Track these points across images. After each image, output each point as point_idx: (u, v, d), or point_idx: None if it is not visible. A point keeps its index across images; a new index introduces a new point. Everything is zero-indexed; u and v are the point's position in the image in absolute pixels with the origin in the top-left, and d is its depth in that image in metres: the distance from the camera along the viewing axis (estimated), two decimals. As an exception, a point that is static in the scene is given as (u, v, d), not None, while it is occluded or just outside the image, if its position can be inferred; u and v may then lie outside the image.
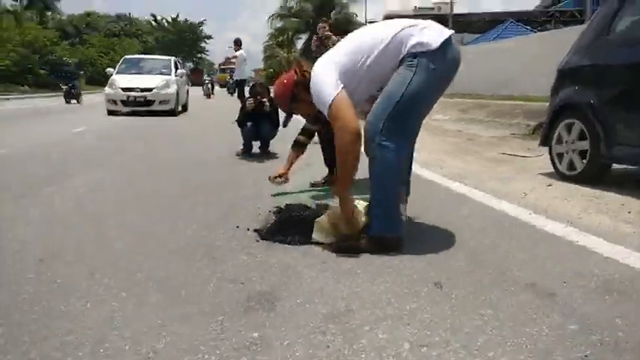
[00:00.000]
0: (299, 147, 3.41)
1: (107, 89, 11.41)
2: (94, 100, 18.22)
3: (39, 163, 4.78)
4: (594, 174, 3.52)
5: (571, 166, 3.70)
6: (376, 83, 2.22)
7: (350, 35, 2.36)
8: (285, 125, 2.83)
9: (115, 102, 11.09)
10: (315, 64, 2.27)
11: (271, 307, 1.63)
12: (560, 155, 3.82)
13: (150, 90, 10.97)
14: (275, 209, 2.81)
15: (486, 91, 14.03)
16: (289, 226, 2.40)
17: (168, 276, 1.90)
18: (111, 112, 11.06)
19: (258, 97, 4.98)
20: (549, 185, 3.59)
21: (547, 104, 4.23)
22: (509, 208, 2.89)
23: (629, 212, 2.79)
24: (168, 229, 2.54)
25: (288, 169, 3.37)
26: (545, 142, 3.98)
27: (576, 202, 3.05)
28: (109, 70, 12.63)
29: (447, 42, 2.11)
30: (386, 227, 2.15)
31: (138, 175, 4.11)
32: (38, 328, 1.48)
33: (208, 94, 22.95)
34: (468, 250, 2.17)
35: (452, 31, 2.18)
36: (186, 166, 4.59)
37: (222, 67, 35.65)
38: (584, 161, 3.55)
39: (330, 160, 3.62)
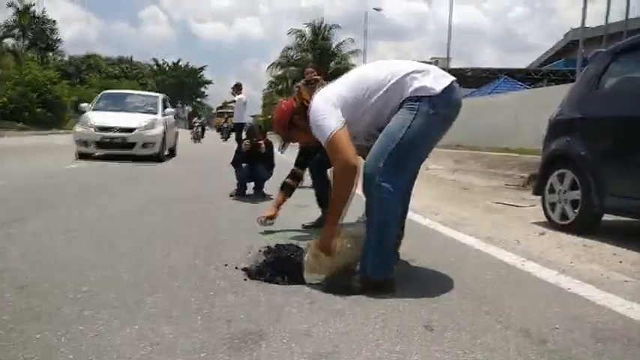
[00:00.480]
0: (287, 189, 3.51)
1: (78, 128, 9.52)
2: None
3: (27, 196, 4.76)
4: (586, 224, 3.53)
5: (563, 215, 3.71)
6: (376, 120, 2.21)
7: (354, 70, 2.37)
8: (281, 151, 2.81)
9: (86, 143, 9.14)
10: (317, 94, 2.26)
11: (256, 345, 1.59)
12: (553, 205, 3.84)
13: (131, 130, 9.16)
14: (265, 249, 2.79)
15: (481, 143, 14.27)
16: (278, 265, 2.37)
17: (154, 309, 1.86)
18: (82, 156, 9.14)
19: (254, 140, 5.05)
20: (542, 234, 3.59)
21: (539, 157, 4.30)
22: (503, 255, 2.87)
23: (621, 262, 2.79)
24: (157, 261, 2.51)
25: (276, 210, 3.42)
26: (538, 191, 4.02)
27: (569, 251, 3.04)
28: (83, 105, 10.47)
29: (449, 87, 2.14)
30: (381, 269, 2.13)
31: (128, 212, 4.08)
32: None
33: (197, 138, 20.53)
34: (461, 293, 2.14)
35: (454, 77, 2.21)
36: (178, 204, 4.58)
37: (220, 110, 34.90)
38: (576, 211, 3.57)
39: (322, 201, 3.64)
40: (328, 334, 1.68)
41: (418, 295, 2.10)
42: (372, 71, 2.24)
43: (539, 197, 4.13)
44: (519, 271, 2.54)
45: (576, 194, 3.56)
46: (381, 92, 2.14)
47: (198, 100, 66.76)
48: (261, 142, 5.06)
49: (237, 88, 10.45)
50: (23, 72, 28.24)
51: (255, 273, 2.35)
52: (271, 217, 3.38)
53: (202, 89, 66.41)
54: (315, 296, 2.07)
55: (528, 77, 30.02)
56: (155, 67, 62.35)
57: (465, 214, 4.43)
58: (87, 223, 3.51)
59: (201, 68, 65.00)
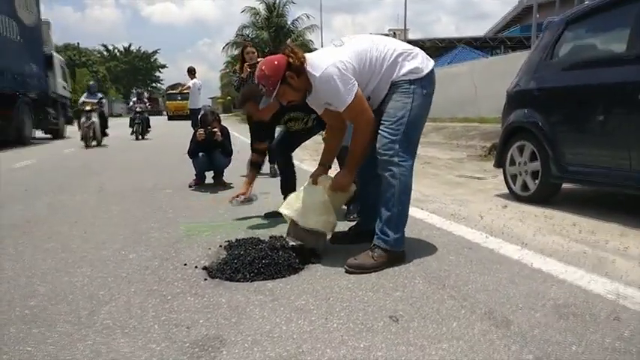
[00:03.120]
0: (255, 166, 3.54)
1: None
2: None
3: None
4: (546, 194, 3.59)
5: (524, 186, 3.76)
6: (370, 92, 2.34)
7: (355, 41, 2.35)
8: (261, 107, 2.66)
9: None
10: (320, 58, 2.28)
11: (217, 353, 1.51)
12: (514, 176, 3.89)
13: None
14: (226, 243, 2.72)
15: (443, 113, 14.42)
16: (240, 262, 2.29)
17: (108, 320, 1.75)
18: None
19: (209, 127, 4.88)
20: (505, 207, 3.63)
21: (500, 125, 4.33)
22: (466, 232, 2.88)
23: (580, 231, 2.84)
24: (114, 266, 2.39)
25: (248, 188, 3.47)
26: (499, 163, 4.05)
27: (530, 223, 3.08)
28: None
29: (432, 68, 2.36)
30: (398, 242, 2.30)
31: (82, 210, 3.89)
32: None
33: (139, 133, 13.24)
34: (426, 278, 2.12)
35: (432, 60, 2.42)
36: (135, 197, 4.40)
37: (171, 91, 32.03)
38: (536, 182, 3.62)
39: (286, 188, 3.56)
40: (291, 333, 1.62)
41: (383, 282, 2.08)
42: (370, 46, 2.31)
43: (500, 169, 4.17)
44: (483, 248, 2.55)
45: (536, 165, 3.60)
46: (377, 73, 2.29)
47: (154, 85, 64.69)
48: (216, 129, 4.90)
49: (191, 73, 10.07)
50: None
51: (216, 271, 2.26)
52: (244, 194, 3.43)
53: (157, 74, 64.35)
54: (277, 292, 2.00)
55: (486, 45, 30.44)
56: (105, 53, 59.83)
57: (428, 191, 4.44)
58: (38, 226, 3.32)
59: (154, 52, 62.91)
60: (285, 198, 3.51)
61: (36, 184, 5.40)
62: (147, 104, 14.41)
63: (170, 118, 30.95)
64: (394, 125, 2.26)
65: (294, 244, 2.43)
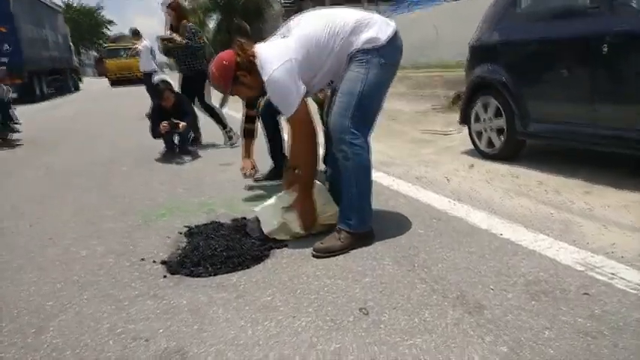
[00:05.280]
0: (250, 134, 3.47)
1: None
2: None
3: None
4: (512, 151, 3.55)
5: (490, 144, 3.72)
6: (327, 76, 2.24)
7: (304, 24, 2.21)
8: (222, 106, 2.63)
9: None
10: (267, 57, 2.14)
11: (178, 369, 1.41)
12: (479, 133, 3.83)
13: None
14: (185, 229, 2.57)
15: (405, 61, 14.19)
16: (200, 254, 2.17)
17: (58, 339, 1.61)
18: None
19: (163, 99, 4.71)
20: (471, 166, 3.59)
21: (463, 72, 4.22)
22: (434, 199, 2.82)
23: (546, 191, 2.83)
24: (64, 267, 2.22)
25: (250, 158, 3.44)
26: (465, 120, 3.98)
27: (498, 184, 3.05)
28: None
29: (394, 36, 2.16)
30: (362, 223, 2.18)
31: (36, 188, 3.63)
32: None
33: None
34: (394, 256, 2.06)
35: (394, 24, 2.22)
36: (88, 177, 4.15)
37: (111, 45, 26.39)
38: (502, 138, 3.57)
39: (275, 152, 3.54)
40: (257, 339, 1.53)
41: (351, 265, 2.00)
42: (321, 28, 2.15)
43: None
44: (451, 218, 2.49)
45: (501, 122, 3.54)
46: (332, 51, 2.14)
47: (101, 43, 61.02)
48: (178, 122, 4.76)
49: (137, 35, 9.42)
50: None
51: (176, 266, 2.13)
52: (253, 167, 3.42)
53: (104, 30, 60.50)
54: (241, 288, 1.90)
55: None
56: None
57: (393, 152, 4.36)
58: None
59: (99, 7, 58.98)
60: (275, 164, 3.42)
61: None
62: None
63: (113, 83, 23.75)
64: (344, 99, 2.12)
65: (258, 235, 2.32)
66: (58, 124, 9.17)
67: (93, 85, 25.09)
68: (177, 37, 5.12)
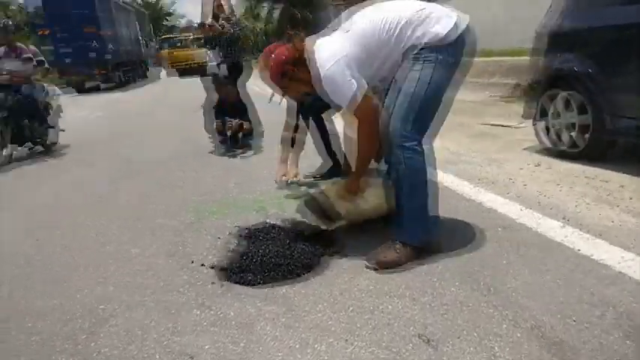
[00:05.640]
0: (287, 142, 3.33)
1: None
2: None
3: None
4: (598, 151, 3.19)
5: (568, 141, 3.35)
6: (379, 72, 2.08)
7: (362, 20, 2.05)
8: (270, 101, 2.56)
9: None
10: (324, 52, 2.01)
11: (224, 393, 1.33)
12: (552, 129, 3.49)
13: None
14: (236, 229, 2.51)
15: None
16: (249, 259, 2.08)
17: (106, 347, 1.58)
18: None
19: (225, 96, 4.84)
20: (537, 165, 3.29)
21: (520, 58, 3.83)
22: (498, 203, 2.60)
23: (631, 198, 2.52)
24: (118, 268, 2.22)
25: (287, 166, 3.30)
26: (535, 114, 3.64)
27: (570, 187, 2.76)
28: None
29: (465, 30, 1.96)
30: (419, 233, 2.03)
31: (91, 192, 3.72)
32: None
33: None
34: (457, 272, 1.88)
35: (467, 16, 2.01)
36: (147, 173, 4.20)
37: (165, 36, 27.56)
38: (586, 137, 3.20)
39: (328, 150, 3.42)
40: (307, 364, 1.42)
41: (408, 281, 1.84)
42: (379, 25, 1.99)
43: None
44: (519, 226, 2.27)
45: (584, 118, 3.18)
46: (389, 48, 1.99)
47: (160, 34, 62.97)
48: (242, 123, 4.76)
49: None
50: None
51: (225, 270, 2.07)
52: (296, 175, 3.31)
53: (164, 22, 62.34)
54: (291, 301, 1.79)
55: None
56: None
57: (453, 146, 4.11)
58: (55, 213, 3.16)
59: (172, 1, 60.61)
60: (332, 161, 3.39)
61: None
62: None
63: (182, 73, 21.21)
64: (405, 104, 1.95)
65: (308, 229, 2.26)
66: (120, 116, 9.49)
67: (154, 73, 26.08)
68: (221, 24, 5.08)
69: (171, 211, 3.01)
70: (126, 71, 20.66)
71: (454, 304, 1.66)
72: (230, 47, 5.22)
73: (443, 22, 1.94)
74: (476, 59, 8.71)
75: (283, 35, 2.20)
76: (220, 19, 5.12)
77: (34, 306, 1.93)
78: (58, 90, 6.28)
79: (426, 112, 1.97)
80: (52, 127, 5.75)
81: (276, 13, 29.88)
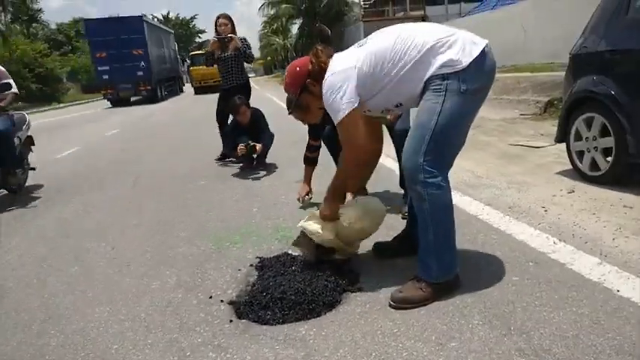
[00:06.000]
0: (310, 162, 3.49)
1: None
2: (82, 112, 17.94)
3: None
4: (620, 175, 3.06)
5: (593, 165, 3.25)
6: (393, 97, 1.98)
7: (374, 39, 2.02)
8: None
9: None
10: (334, 63, 2.02)
11: None
12: (581, 153, 3.36)
13: None
14: (257, 261, 2.46)
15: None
16: (269, 296, 2.02)
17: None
18: None
19: (239, 114, 4.74)
20: (571, 191, 3.15)
21: (552, 74, 3.73)
22: (529, 235, 2.47)
23: (674, 231, 2.36)
24: (132, 301, 2.20)
25: (309, 184, 3.49)
26: (562, 138, 3.53)
27: (607, 218, 2.62)
28: None
29: (480, 56, 1.83)
30: (445, 271, 1.94)
31: (121, 202, 3.74)
32: None
33: None
34: (485, 313, 1.77)
35: (486, 41, 1.90)
36: (169, 189, 4.22)
37: (196, 52, 25.99)
38: (609, 160, 3.10)
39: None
40: (326, 419, 1.34)
41: (434, 322, 1.75)
42: (392, 43, 1.92)
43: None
44: (552, 262, 2.14)
45: (608, 141, 3.07)
46: (402, 70, 1.89)
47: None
48: (255, 145, 4.69)
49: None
50: (12, 48, 27.47)
51: (243, 307, 2.01)
52: (308, 193, 3.46)
53: (197, 39, 64.19)
54: (310, 343, 1.72)
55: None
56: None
57: (480, 170, 3.99)
58: (64, 241, 3.18)
59: (192, 18, 62.79)
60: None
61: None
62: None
63: (197, 90, 23.79)
64: (417, 133, 1.87)
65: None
66: (146, 129, 9.68)
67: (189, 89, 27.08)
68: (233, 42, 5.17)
69: (193, 238, 2.99)
70: (166, 87, 23.72)
71: (482, 350, 1.56)
72: (237, 69, 5.28)
73: (457, 48, 1.83)
74: (506, 75, 8.54)
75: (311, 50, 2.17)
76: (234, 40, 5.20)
77: (50, 343, 1.91)
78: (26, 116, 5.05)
79: (442, 143, 1.85)
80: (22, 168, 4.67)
81: (306, 31, 30.31)
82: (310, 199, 3.44)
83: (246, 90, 5.31)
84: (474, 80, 1.83)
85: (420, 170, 1.85)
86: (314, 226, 2.21)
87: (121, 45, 20.27)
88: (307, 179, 3.49)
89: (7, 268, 2.82)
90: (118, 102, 21.23)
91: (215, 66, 5.43)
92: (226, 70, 5.30)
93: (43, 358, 1.82)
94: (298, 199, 3.44)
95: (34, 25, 40.71)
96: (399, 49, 1.89)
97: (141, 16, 21.48)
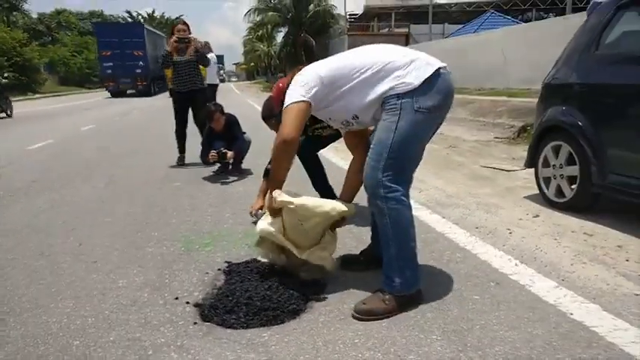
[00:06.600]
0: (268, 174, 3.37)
1: None
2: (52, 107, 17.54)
3: None
4: (583, 203, 3.20)
5: (559, 192, 3.38)
6: (349, 109, 2.06)
7: (340, 54, 2.17)
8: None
9: None
10: (301, 71, 2.14)
11: None
12: (548, 180, 3.50)
13: None
14: (225, 265, 2.48)
15: (469, 84, 13.76)
16: (235, 299, 2.04)
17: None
18: None
19: (213, 121, 4.81)
20: (536, 216, 3.26)
21: (527, 100, 3.88)
22: (494, 256, 2.55)
23: (627, 260, 2.47)
24: (98, 300, 2.17)
25: (263, 198, 3.23)
26: (531, 164, 3.66)
27: (567, 244, 2.72)
28: None
29: (432, 76, 1.93)
30: (407, 284, 1.99)
31: (92, 200, 3.69)
32: None
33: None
34: (444, 328, 1.83)
35: (441, 64, 1.99)
36: (143, 190, 4.19)
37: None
38: (573, 188, 3.24)
39: (317, 185, 3.44)
40: None
41: (394, 335, 1.79)
42: (353, 57, 2.07)
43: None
44: (512, 282, 2.22)
45: (573, 169, 3.21)
46: (354, 82, 2.00)
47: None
48: (227, 152, 4.75)
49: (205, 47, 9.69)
50: (-12, 36, 26.93)
51: (208, 310, 2.02)
52: (261, 208, 3.19)
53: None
54: (272, 349, 1.74)
55: (515, 8, 28.98)
56: (129, 19, 59.48)
57: (451, 189, 4.09)
58: (32, 235, 3.12)
59: (178, 17, 62.30)
60: (321, 195, 3.28)
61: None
62: None
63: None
64: (375, 150, 1.96)
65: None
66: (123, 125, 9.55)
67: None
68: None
69: (163, 239, 2.98)
70: (157, 84, 27.17)
71: (440, 367, 1.61)
72: (195, 73, 5.37)
73: (411, 68, 1.94)
74: (483, 98, 8.73)
75: (297, 61, 2.32)
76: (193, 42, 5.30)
77: (10, 335, 1.88)
78: None
79: (400, 160, 1.93)
80: None
81: (290, 39, 30.48)
82: (263, 213, 3.31)
83: (201, 96, 5.35)
84: (427, 99, 1.92)
85: (379, 185, 1.92)
86: (263, 223, 2.20)
87: (123, 46, 24.78)
88: (263, 193, 3.21)
89: (-32, 258, 2.76)
90: (117, 93, 25.71)
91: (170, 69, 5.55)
92: (183, 74, 5.34)
93: (1, 348, 1.79)
94: (250, 214, 3.25)
95: (14, 13, 39.84)
96: (358, 62, 2.01)
97: (142, 24, 27.78)
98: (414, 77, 1.92)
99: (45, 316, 2.03)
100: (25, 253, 2.82)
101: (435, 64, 1.97)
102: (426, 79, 1.91)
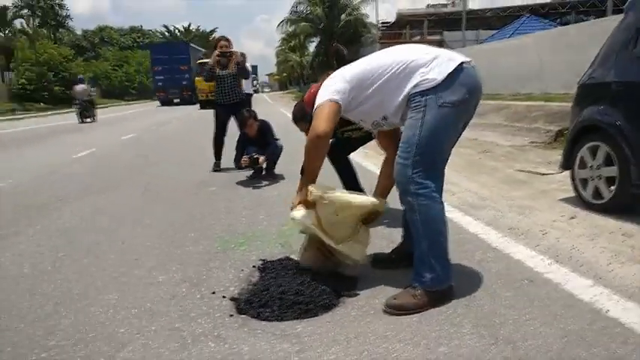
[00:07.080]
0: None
1: None
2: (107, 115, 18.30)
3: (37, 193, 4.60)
4: (623, 204, 3.12)
5: (596, 193, 3.30)
6: (377, 110, 2.14)
7: (365, 57, 2.25)
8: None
9: None
10: (330, 75, 2.24)
11: None
12: (584, 181, 3.43)
13: None
14: (260, 263, 2.55)
15: (504, 90, 13.53)
16: (269, 294, 2.11)
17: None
18: None
19: (247, 126, 4.94)
20: (572, 217, 3.20)
21: (564, 104, 3.81)
22: (526, 255, 2.53)
23: (668, 260, 2.41)
24: (140, 294, 2.28)
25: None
26: (567, 165, 3.59)
27: (604, 244, 2.67)
28: None
29: (455, 71, 1.97)
30: (438, 280, 2.00)
31: (133, 204, 3.87)
32: None
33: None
34: (476, 322, 1.83)
35: (464, 58, 2.04)
36: (177, 199, 4.35)
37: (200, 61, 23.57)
38: (612, 189, 3.16)
39: (348, 186, 3.42)
40: (315, 408, 1.42)
41: (425, 329, 1.82)
42: (378, 58, 2.16)
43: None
44: (546, 281, 2.20)
45: (612, 170, 3.14)
46: (387, 79, 2.06)
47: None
48: (259, 157, 4.90)
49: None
50: (38, 52, 28.47)
51: (244, 304, 2.10)
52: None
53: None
54: (305, 340, 1.80)
55: (554, 12, 28.29)
56: (167, 33, 61.48)
57: (485, 192, 4.06)
58: (80, 235, 3.30)
59: (213, 30, 63.98)
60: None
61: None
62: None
63: (203, 105, 21.66)
64: (403, 147, 2.01)
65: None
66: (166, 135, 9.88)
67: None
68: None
69: (201, 239, 3.10)
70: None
71: (469, 357, 1.62)
72: (235, 85, 5.58)
73: (433, 65, 1.99)
74: (518, 103, 8.61)
75: (328, 69, 2.43)
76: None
77: (61, 324, 2.01)
78: None
79: (427, 156, 1.97)
80: None
81: (323, 49, 30.79)
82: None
83: (243, 107, 5.50)
84: (450, 93, 1.96)
85: (410, 182, 1.97)
86: (300, 212, 2.26)
87: (172, 62, 29.64)
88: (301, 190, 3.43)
89: (25, 255, 2.95)
90: (167, 102, 30.29)
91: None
92: (226, 86, 5.54)
93: (54, 335, 1.92)
94: (291, 209, 3.35)
95: (60, 30, 41.97)
96: (383, 63, 2.08)
97: (187, 42, 32.93)
98: (437, 73, 1.97)
99: (92, 307, 2.16)
100: (74, 251, 3.00)
101: (458, 59, 2.02)
102: (448, 74, 1.96)
